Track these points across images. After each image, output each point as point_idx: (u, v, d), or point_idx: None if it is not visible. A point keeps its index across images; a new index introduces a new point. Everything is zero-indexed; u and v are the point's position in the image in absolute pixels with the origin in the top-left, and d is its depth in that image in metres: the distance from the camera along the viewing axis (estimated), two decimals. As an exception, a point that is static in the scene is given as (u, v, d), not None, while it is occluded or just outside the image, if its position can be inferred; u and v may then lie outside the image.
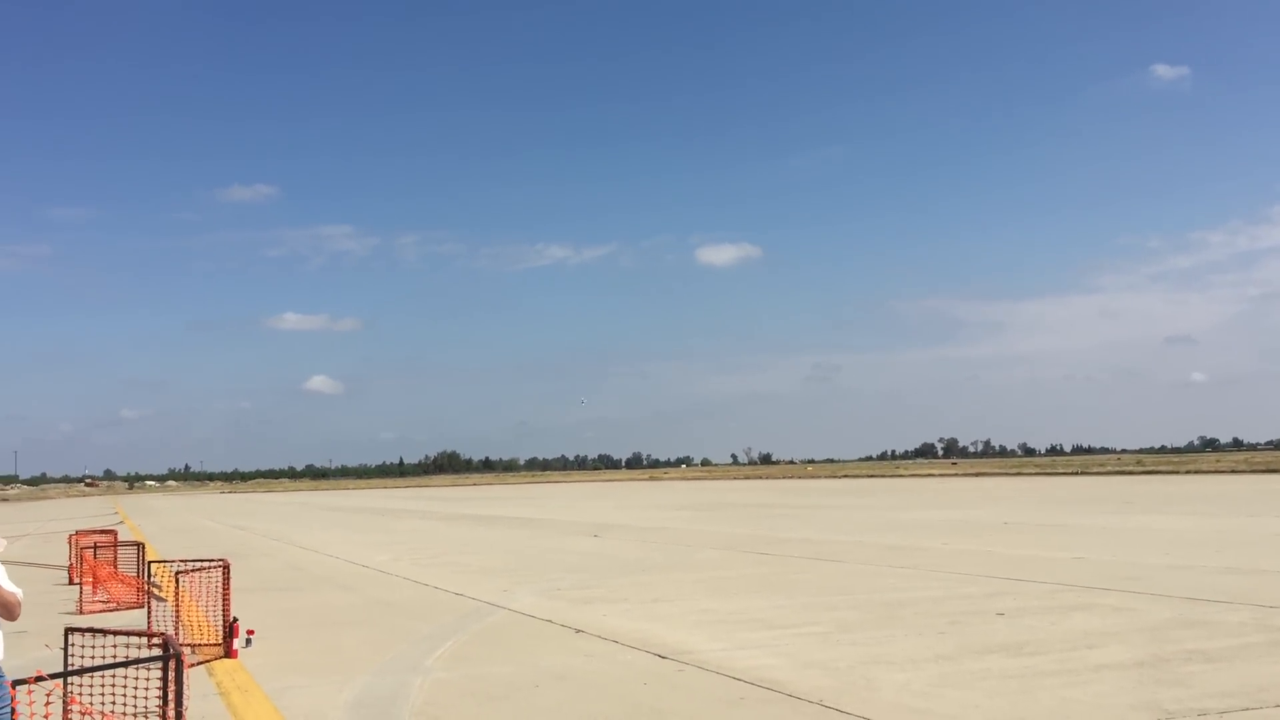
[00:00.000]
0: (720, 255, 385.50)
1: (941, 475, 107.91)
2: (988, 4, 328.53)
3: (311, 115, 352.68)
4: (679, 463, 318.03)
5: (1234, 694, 8.24)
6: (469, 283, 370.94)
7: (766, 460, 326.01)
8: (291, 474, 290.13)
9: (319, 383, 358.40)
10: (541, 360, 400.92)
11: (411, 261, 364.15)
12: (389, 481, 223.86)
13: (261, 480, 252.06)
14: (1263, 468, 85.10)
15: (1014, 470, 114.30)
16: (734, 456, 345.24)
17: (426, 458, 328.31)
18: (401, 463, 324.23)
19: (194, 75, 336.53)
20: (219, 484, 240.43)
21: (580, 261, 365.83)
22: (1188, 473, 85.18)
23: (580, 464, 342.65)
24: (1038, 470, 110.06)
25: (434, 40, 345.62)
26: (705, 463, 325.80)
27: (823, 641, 11.25)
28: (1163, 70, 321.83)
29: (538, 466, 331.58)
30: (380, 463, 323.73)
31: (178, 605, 12.90)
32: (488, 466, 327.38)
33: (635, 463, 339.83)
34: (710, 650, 10.88)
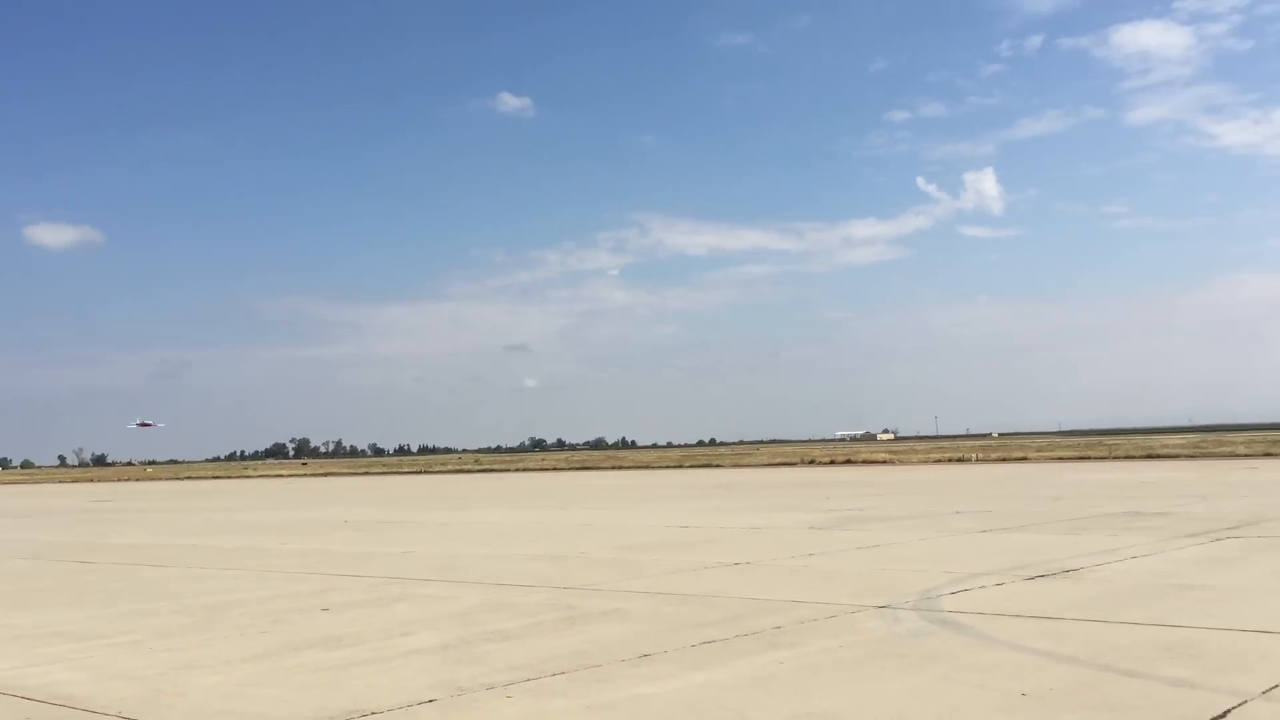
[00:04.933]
0: (56, 236, 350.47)
1: (291, 475, 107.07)
2: (365, 16, 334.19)
3: None
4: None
5: (521, 667, 9.18)
6: None
7: (101, 462, 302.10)
8: None
9: None
10: None
11: None
12: None
13: None
14: (579, 465, 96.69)
15: (362, 470, 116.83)
16: (62, 458, 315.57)
17: None
18: None
19: None
20: None
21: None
22: (518, 470, 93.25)
23: None
24: (385, 469, 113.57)
25: None
26: (27, 465, 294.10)
27: (134, 650, 10.65)
28: (508, 98, 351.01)
29: None
30: None
31: None
32: None
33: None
34: (-1, 670, 9.81)
